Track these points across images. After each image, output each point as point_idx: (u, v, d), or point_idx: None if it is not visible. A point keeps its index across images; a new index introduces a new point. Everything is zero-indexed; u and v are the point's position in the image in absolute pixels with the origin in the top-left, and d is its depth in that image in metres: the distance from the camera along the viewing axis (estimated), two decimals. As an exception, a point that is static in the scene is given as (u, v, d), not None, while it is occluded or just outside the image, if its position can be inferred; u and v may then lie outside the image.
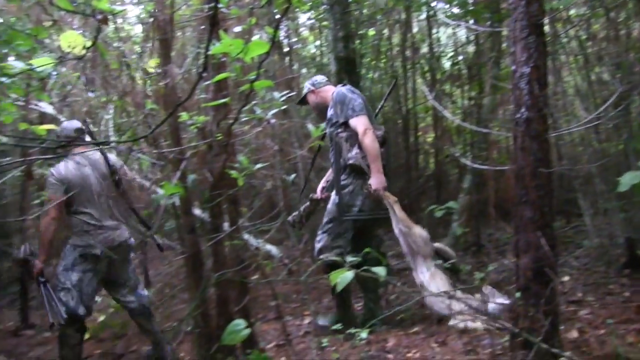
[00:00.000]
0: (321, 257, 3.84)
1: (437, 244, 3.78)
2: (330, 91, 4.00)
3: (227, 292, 2.85)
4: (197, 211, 3.88)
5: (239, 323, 1.87)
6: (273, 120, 3.58)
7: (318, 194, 4.23)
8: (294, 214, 4.20)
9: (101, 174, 3.84)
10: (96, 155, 3.90)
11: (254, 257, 3.35)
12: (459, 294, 3.33)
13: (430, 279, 3.55)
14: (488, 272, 4.45)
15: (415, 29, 8.35)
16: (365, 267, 2.35)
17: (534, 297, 2.63)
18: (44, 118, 4.63)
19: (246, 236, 3.99)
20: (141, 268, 6.05)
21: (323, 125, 3.60)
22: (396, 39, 8.36)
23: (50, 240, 3.72)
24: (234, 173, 2.60)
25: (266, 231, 4.48)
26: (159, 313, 4.42)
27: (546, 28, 3.16)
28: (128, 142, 1.84)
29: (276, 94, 2.85)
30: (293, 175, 3.83)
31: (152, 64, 3.20)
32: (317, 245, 3.92)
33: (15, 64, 3.17)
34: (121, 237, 3.91)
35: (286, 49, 6.32)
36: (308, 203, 4.24)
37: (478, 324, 3.27)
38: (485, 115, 6.22)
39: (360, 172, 3.80)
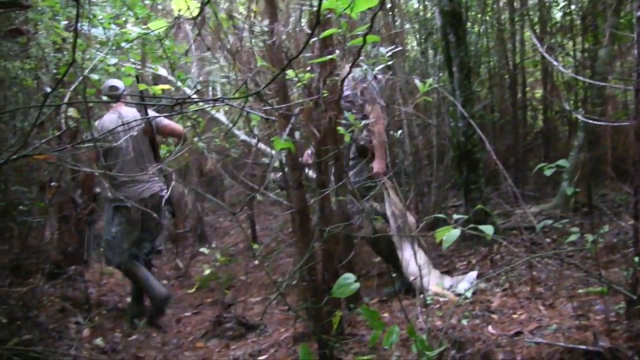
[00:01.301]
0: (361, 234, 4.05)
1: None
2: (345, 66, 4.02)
3: (333, 247, 2.92)
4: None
5: (349, 277, 1.91)
6: (380, 76, 3.54)
7: (305, 158, 4.25)
8: (280, 174, 4.29)
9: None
10: (132, 112, 4.25)
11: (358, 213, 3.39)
12: (437, 273, 4.02)
13: (412, 257, 3.77)
14: (602, 234, 4.21)
15: (523, -22, 7.85)
16: (473, 226, 2.30)
17: (656, 262, 2.47)
18: (158, 79, 4.91)
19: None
20: (249, 223, 6.35)
21: (431, 80, 3.51)
22: (504, -11, 7.91)
23: (89, 189, 4.27)
24: (340, 129, 2.61)
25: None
26: (265, 266, 4.61)
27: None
28: (239, 98, 1.89)
29: (382, 50, 2.80)
30: (399, 132, 3.79)
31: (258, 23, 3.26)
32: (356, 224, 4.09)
33: (133, 29, 3.36)
34: (151, 190, 4.22)
35: (389, 4, 6.17)
36: None
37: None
38: (600, 67, 5.77)
39: (366, 153, 4.08)
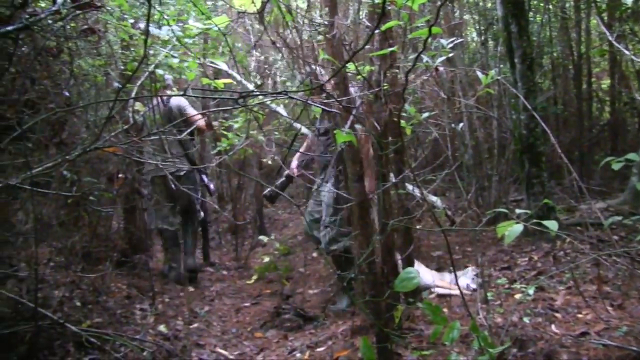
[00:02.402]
0: (332, 248, 4.05)
1: None
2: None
3: (392, 240, 2.90)
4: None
5: (411, 271, 1.89)
6: (441, 68, 3.49)
7: (294, 171, 4.47)
8: (269, 189, 4.53)
9: (161, 116, 4.63)
10: (175, 102, 4.86)
11: (418, 207, 3.37)
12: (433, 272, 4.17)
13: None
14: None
15: (590, -38, 7.52)
16: (536, 221, 2.24)
17: None
18: (219, 74, 5.03)
19: (410, 186, 4.00)
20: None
21: (493, 72, 3.44)
22: (569, -25, 7.63)
23: None
24: (402, 122, 2.59)
25: (430, 181, 4.45)
26: (324, 258, 4.64)
27: None
28: (302, 91, 1.91)
29: (443, 41, 2.76)
30: (461, 124, 3.72)
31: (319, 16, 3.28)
32: (325, 239, 4.10)
33: (196, 25, 3.43)
34: (169, 169, 4.68)
35: (447, -5, 6.06)
36: (284, 179, 4.56)
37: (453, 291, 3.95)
38: (677, 56, 5.47)
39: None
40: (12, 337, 2.54)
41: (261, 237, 5.86)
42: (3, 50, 2.59)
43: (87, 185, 3.56)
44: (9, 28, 2.11)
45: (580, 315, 3.12)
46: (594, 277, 3.60)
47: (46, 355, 2.68)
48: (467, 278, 4.08)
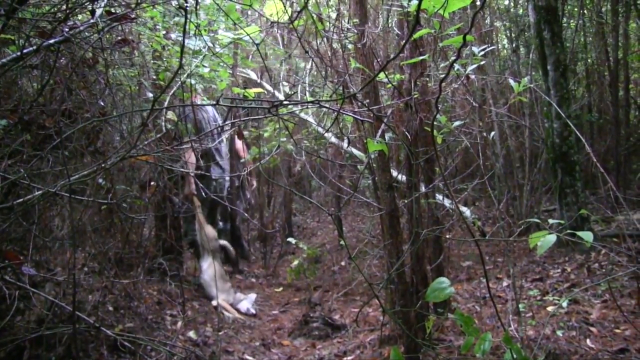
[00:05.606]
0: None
1: (221, 241, 5.11)
2: None
3: (422, 250, 2.88)
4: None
5: (443, 281, 1.87)
6: (473, 76, 3.46)
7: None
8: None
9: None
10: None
11: (448, 216, 3.33)
12: (228, 286, 4.75)
13: (207, 268, 4.71)
14: None
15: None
16: (570, 231, 2.19)
17: None
18: (249, 82, 5.08)
19: (439, 196, 3.96)
20: (335, 224, 6.39)
21: (525, 80, 3.39)
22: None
23: None
24: (435, 132, 2.57)
25: (461, 191, 4.40)
26: (356, 265, 4.62)
27: None
28: (335, 100, 1.91)
29: (474, 49, 2.73)
30: (492, 133, 3.67)
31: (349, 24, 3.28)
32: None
33: (226, 34, 3.48)
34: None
35: (478, 1, 6.01)
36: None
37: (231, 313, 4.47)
38: None
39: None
40: (52, 338, 2.60)
41: (289, 239, 5.87)
42: (44, 62, 2.66)
43: (120, 192, 3.62)
44: (52, 41, 2.17)
45: (618, 331, 3.04)
46: (633, 290, 3.50)
47: (81, 357, 2.74)
48: (248, 302, 4.59)
